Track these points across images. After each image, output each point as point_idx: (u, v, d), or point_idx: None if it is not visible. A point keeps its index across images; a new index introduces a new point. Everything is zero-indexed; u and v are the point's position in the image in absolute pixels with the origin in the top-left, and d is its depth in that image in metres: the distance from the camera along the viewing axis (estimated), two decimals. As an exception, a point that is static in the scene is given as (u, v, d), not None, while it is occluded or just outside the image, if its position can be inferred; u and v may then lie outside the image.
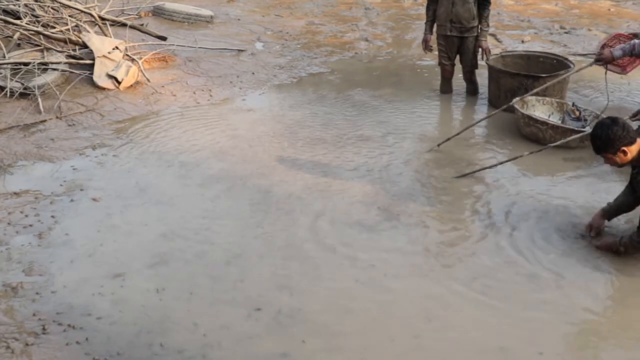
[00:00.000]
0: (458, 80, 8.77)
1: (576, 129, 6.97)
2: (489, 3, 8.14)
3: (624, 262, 5.08)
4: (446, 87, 8.73)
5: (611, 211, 5.40)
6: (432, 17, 8.45)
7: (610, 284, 4.94)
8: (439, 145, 7.03)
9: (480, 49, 8.23)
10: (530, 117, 7.15)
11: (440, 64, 8.62)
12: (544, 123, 7.09)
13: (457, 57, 8.53)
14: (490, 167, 6.62)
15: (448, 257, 5.26)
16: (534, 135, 7.13)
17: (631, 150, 4.72)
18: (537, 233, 5.52)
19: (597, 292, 4.84)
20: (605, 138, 4.71)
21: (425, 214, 5.88)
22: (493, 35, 11.04)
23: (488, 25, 8.23)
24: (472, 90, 8.68)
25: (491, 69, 8.22)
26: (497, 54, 8.63)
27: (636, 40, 6.35)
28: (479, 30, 8.20)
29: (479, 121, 7.64)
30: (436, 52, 8.74)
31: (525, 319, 4.58)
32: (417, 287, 4.91)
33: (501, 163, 6.58)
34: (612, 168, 6.34)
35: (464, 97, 8.68)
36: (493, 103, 8.24)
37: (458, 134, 7.14)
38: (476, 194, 6.22)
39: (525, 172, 6.59)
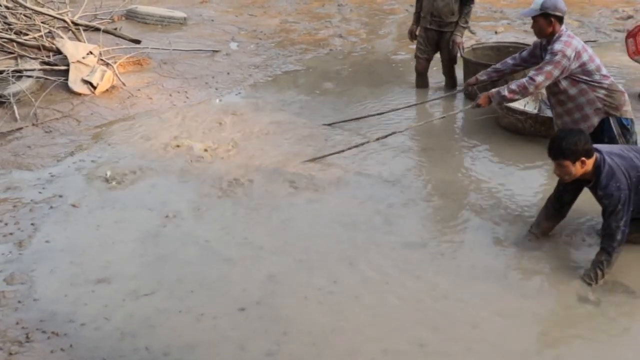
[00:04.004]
0: (438, 74, 8.83)
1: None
2: (472, 1, 8.17)
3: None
4: (420, 82, 8.75)
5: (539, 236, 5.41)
6: (419, 9, 8.53)
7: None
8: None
9: (452, 43, 8.27)
10: (509, 108, 7.17)
11: (415, 56, 8.67)
12: (523, 113, 7.13)
13: (438, 52, 8.59)
14: (339, 151, 6.83)
15: (447, 258, 5.27)
16: (513, 126, 7.17)
17: (588, 164, 4.79)
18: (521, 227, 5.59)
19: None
20: (573, 143, 4.74)
21: (417, 212, 5.92)
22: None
23: (466, 22, 8.28)
24: (450, 84, 8.69)
25: (467, 62, 8.26)
26: (468, 47, 8.67)
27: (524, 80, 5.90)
28: (456, 25, 8.24)
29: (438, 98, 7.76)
30: (413, 46, 8.78)
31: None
32: (409, 287, 4.92)
33: (350, 148, 6.82)
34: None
35: (442, 91, 8.68)
36: (469, 96, 8.28)
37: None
38: (458, 189, 6.28)
39: (506, 165, 6.68)
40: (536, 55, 6.05)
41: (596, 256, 4.92)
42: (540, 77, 5.64)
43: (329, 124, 7.60)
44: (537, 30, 5.82)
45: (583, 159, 4.75)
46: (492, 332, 4.44)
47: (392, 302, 4.74)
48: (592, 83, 5.65)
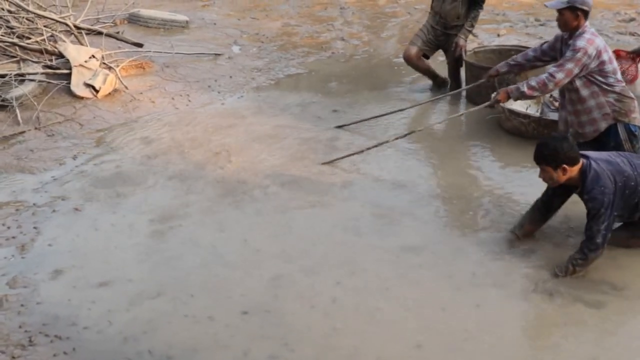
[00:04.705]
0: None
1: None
2: (480, 6, 8.17)
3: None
4: (422, 72, 8.75)
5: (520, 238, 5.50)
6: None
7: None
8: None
9: (455, 45, 8.26)
10: (511, 111, 7.14)
11: (410, 41, 8.69)
12: (526, 116, 7.11)
13: (434, 52, 8.66)
14: (359, 152, 6.81)
15: (448, 263, 5.25)
16: (516, 129, 7.15)
17: (572, 171, 4.84)
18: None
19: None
20: (553, 149, 4.82)
21: (419, 216, 5.90)
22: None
23: (472, 26, 8.25)
24: (455, 87, 8.65)
25: (470, 66, 8.24)
26: (470, 51, 8.64)
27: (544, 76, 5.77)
28: (461, 29, 8.23)
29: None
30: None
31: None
32: (410, 292, 4.91)
33: (369, 148, 6.77)
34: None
35: (445, 93, 8.63)
36: (472, 98, 8.27)
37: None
38: (461, 192, 6.29)
39: (509, 169, 6.69)
40: (556, 49, 5.94)
41: (574, 253, 5.00)
42: (560, 75, 5.55)
43: (341, 126, 7.61)
44: (562, 23, 5.68)
45: (564, 166, 4.81)
46: (493, 339, 4.44)
47: (392, 307, 4.74)
48: (605, 86, 5.59)
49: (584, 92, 5.65)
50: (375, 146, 6.80)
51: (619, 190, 4.84)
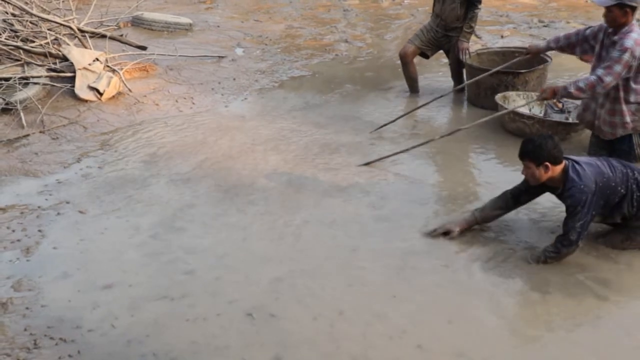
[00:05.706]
0: (440, 77, 8.83)
1: (562, 121, 7.02)
2: (476, 7, 8.17)
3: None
4: (407, 72, 8.78)
5: (478, 220, 5.60)
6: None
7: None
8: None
9: (457, 48, 8.28)
10: (515, 113, 7.15)
11: (408, 40, 8.71)
12: (530, 117, 7.11)
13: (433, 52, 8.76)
14: (399, 152, 6.81)
15: (452, 269, 5.20)
16: (520, 131, 7.14)
17: (554, 170, 4.92)
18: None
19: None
20: (537, 146, 4.89)
21: (424, 218, 5.87)
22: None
23: (471, 27, 8.26)
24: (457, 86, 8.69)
25: (470, 68, 8.24)
26: (474, 52, 8.63)
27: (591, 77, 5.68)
28: (461, 30, 8.25)
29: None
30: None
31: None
32: (413, 298, 4.88)
33: (413, 147, 6.77)
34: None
35: (449, 95, 8.62)
36: (472, 101, 8.28)
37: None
38: (467, 194, 6.28)
39: (516, 171, 6.66)
40: (597, 39, 5.88)
41: (548, 246, 5.14)
42: (609, 78, 5.50)
43: (375, 130, 7.63)
44: (610, 20, 5.62)
45: (547, 163, 4.88)
46: (497, 344, 4.42)
47: (395, 312, 4.72)
48: (631, 93, 5.59)
49: (611, 94, 5.67)
50: (422, 144, 6.78)
51: (599, 190, 4.91)
